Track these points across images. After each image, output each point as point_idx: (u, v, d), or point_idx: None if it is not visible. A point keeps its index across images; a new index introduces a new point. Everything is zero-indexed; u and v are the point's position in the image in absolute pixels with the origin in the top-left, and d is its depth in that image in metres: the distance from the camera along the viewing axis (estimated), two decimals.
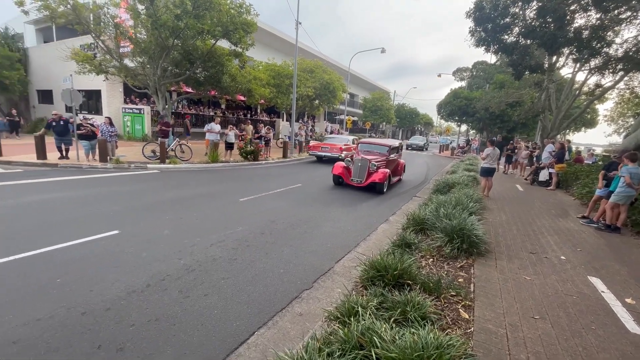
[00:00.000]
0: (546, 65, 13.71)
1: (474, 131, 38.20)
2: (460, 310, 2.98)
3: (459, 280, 3.64)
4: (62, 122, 10.23)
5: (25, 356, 2.24)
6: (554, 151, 11.22)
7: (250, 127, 16.97)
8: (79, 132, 10.05)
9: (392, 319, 2.45)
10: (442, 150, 30.40)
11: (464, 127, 37.24)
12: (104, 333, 2.54)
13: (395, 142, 11.07)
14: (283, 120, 28.52)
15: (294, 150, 17.27)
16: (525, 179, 12.98)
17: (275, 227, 5.44)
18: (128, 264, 3.72)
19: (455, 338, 2.23)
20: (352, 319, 2.36)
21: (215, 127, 12.86)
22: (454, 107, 30.11)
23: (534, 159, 14.18)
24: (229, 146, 13.20)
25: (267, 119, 27.34)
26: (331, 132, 28.57)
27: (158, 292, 3.18)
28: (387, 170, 8.94)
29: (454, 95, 30.84)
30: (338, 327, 2.34)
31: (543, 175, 11.68)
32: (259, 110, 27.69)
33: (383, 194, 8.72)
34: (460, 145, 30.52)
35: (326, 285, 3.65)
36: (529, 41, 10.70)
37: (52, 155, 10.13)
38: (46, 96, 21.72)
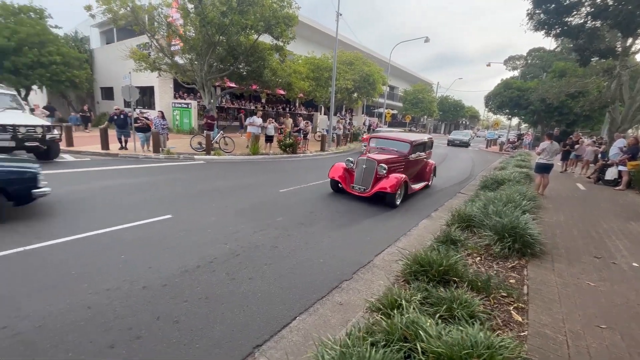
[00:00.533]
0: (619, 50, 12.11)
1: (526, 125, 35.24)
2: (512, 312, 2.79)
3: (510, 281, 3.40)
4: (122, 116, 11.23)
5: (98, 320, 2.52)
6: (625, 146, 9.95)
7: (289, 121, 17.25)
8: (136, 125, 10.97)
9: (438, 315, 2.36)
10: (489, 145, 28.46)
11: (515, 121, 34.48)
12: (162, 306, 2.77)
13: (421, 137, 8.62)
14: (321, 114, 28.59)
15: (332, 144, 17.26)
16: (589, 178, 11.69)
17: (314, 218, 5.51)
18: (180, 246, 4.00)
19: (508, 340, 2.09)
20: (395, 311, 2.32)
21: (257, 120, 13.26)
22: (504, 99, 27.96)
23: (599, 155, 12.71)
24: (269, 139, 13.54)
25: (305, 112, 27.63)
26: (369, 126, 28.03)
27: (207, 273, 3.38)
28: (402, 176, 6.63)
29: (504, 85, 28.63)
30: (381, 318, 2.31)
31: (611, 174, 10.42)
32: (297, 104, 28.05)
33: (395, 207, 6.53)
34: (510, 139, 28.24)
35: (366, 277, 3.62)
36: (598, 22, 9.53)
37: (114, 146, 11.18)
38: (108, 93, 23.98)
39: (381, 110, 33.07)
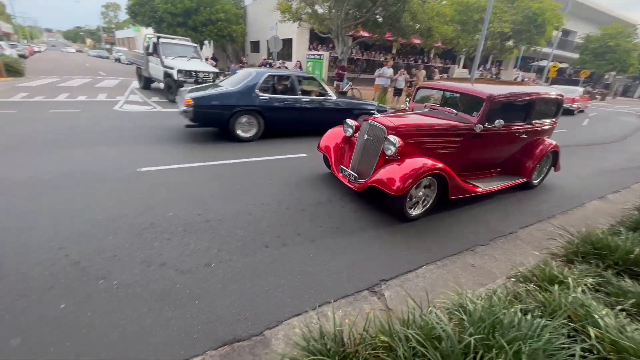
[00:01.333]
0: None
1: None
2: None
3: None
4: (267, 66, 12.67)
5: (256, 225, 3.12)
6: None
7: (422, 73, 15.67)
8: None
9: (620, 307, 1.86)
10: None
11: None
12: (301, 226, 3.18)
13: (528, 91, 4.30)
14: (459, 67, 24.95)
15: None
16: None
17: None
18: (314, 181, 4.41)
19: None
20: (555, 287, 1.95)
21: (388, 71, 12.61)
22: None
23: None
24: (397, 92, 12.83)
25: (440, 65, 24.59)
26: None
27: (338, 208, 3.65)
28: (427, 163, 3.30)
29: None
30: (534, 287, 1.99)
31: None
32: (432, 55, 25.14)
33: (408, 220, 3.47)
34: None
35: (505, 247, 3.19)
36: None
37: None
38: (255, 46, 27.20)
39: (543, 63, 26.12)
